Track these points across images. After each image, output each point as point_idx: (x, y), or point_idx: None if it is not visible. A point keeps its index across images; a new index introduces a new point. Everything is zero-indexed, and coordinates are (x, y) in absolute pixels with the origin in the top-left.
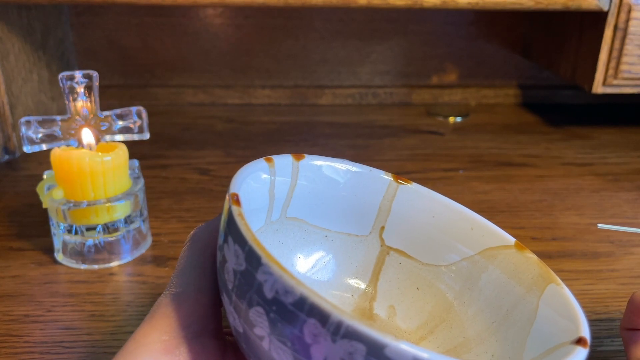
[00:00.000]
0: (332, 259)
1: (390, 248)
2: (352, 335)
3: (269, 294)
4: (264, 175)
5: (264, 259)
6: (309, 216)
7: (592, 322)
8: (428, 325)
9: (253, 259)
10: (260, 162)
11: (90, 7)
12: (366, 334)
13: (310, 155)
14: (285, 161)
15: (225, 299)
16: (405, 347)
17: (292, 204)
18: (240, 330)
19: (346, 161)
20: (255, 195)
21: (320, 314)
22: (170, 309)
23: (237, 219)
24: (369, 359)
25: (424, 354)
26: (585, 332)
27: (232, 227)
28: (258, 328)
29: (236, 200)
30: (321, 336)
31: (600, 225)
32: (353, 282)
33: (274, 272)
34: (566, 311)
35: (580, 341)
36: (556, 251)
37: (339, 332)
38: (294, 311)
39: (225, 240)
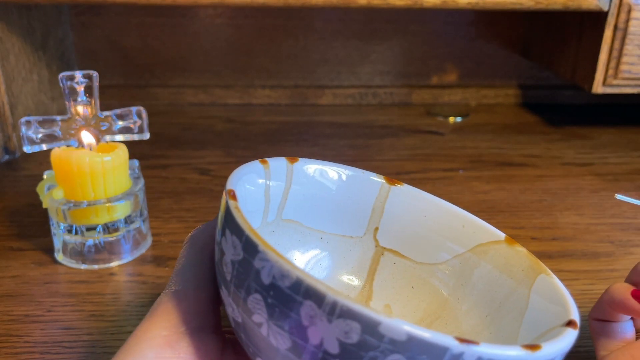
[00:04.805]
0: (328, 260)
1: (385, 248)
2: (347, 314)
3: (266, 280)
4: (259, 177)
5: (261, 247)
6: (304, 218)
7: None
8: (424, 322)
9: (250, 247)
10: (256, 164)
11: (90, 7)
12: (361, 312)
13: (304, 159)
14: (280, 164)
15: (223, 292)
16: (398, 323)
17: (287, 206)
18: (239, 320)
19: (339, 165)
20: (251, 197)
21: (315, 295)
22: (170, 305)
23: (234, 211)
24: (364, 337)
25: (416, 329)
26: (574, 315)
27: (230, 220)
28: (256, 315)
29: (232, 195)
30: (317, 317)
31: (618, 196)
32: (349, 282)
33: (270, 258)
34: (556, 298)
35: (570, 323)
36: (556, 251)
37: (335, 312)
38: (291, 294)
39: (223, 234)
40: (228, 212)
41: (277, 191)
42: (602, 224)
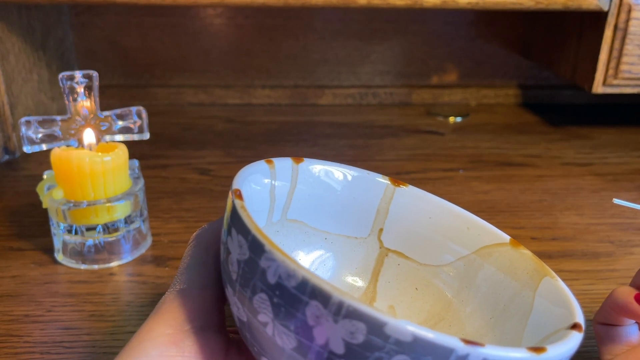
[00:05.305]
0: (332, 261)
1: (389, 250)
2: (353, 314)
3: (272, 280)
4: (265, 177)
5: (267, 246)
6: (309, 219)
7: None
8: (427, 324)
9: (256, 247)
10: (261, 164)
11: (90, 7)
12: (366, 313)
13: (309, 159)
14: (285, 164)
15: (229, 291)
16: (404, 323)
17: (292, 206)
18: (245, 319)
19: (344, 165)
20: (256, 197)
21: (321, 295)
22: (175, 304)
23: (240, 211)
24: (370, 337)
25: (422, 330)
26: (579, 318)
27: (236, 220)
28: (262, 314)
29: (239, 195)
30: (323, 317)
31: (616, 200)
32: (353, 283)
33: (276, 257)
34: (561, 300)
35: (575, 326)
36: (556, 251)
37: (340, 312)
38: (297, 294)
39: (229, 234)
40: (234, 211)
41: (282, 191)
42: (602, 224)
